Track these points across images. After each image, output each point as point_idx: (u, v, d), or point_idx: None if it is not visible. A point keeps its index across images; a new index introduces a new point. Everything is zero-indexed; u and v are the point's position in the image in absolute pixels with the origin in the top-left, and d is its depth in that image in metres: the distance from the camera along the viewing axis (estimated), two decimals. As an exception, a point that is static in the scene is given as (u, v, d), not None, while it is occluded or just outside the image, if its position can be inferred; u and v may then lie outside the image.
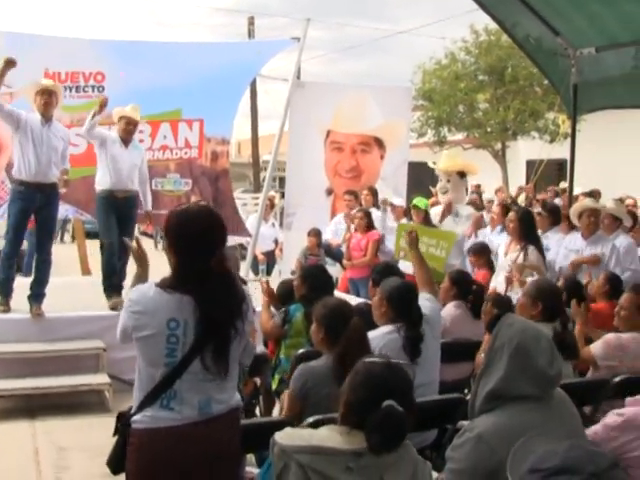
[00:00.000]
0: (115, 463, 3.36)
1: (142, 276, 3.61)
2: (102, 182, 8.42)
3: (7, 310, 7.80)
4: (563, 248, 8.08)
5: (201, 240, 3.27)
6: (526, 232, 7.66)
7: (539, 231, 8.27)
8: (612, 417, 3.39)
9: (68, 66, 9.87)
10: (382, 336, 4.72)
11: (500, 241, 8.78)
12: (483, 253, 8.61)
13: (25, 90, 8.12)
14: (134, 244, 3.73)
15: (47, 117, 7.87)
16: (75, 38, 10.49)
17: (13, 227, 7.84)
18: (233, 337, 3.28)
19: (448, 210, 9.65)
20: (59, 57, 9.82)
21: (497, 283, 7.74)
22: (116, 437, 3.35)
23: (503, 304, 5.95)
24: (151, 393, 3.22)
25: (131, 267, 8.25)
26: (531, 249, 7.51)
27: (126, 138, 8.48)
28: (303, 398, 4.19)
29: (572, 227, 8.62)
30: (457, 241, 9.07)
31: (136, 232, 8.84)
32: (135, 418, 3.23)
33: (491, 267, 8.48)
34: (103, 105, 8.12)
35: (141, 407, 3.24)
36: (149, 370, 3.24)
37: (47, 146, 7.79)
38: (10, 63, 7.39)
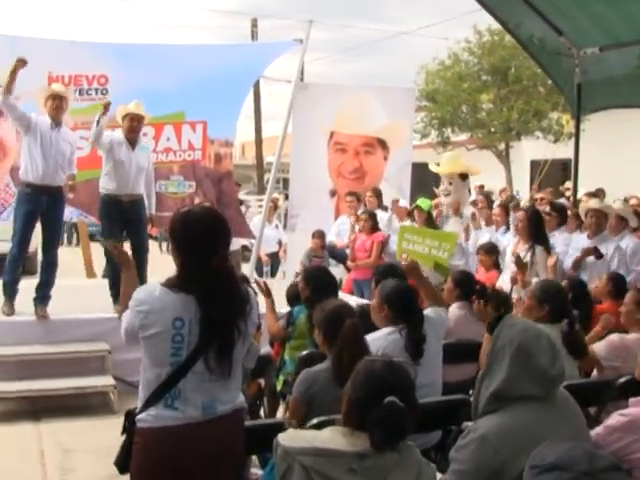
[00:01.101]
0: (122, 462, 3.37)
1: (130, 280, 3.64)
2: (107, 186, 8.37)
3: (12, 312, 7.81)
4: (570, 249, 8.07)
5: (203, 241, 3.28)
6: (534, 232, 7.63)
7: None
8: (615, 418, 3.38)
9: (71, 69, 9.88)
10: (384, 337, 4.72)
11: (504, 241, 8.76)
12: (493, 253, 8.56)
13: (36, 93, 8.16)
14: (113, 249, 3.77)
15: (57, 121, 7.94)
16: (78, 41, 10.50)
17: (20, 229, 7.84)
18: (237, 338, 3.28)
19: (455, 211, 9.64)
20: (62, 60, 9.83)
21: (503, 282, 7.72)
22: (124, 436, 3.36)
23: (501, 302, 5.99)
24: (156, 392, 3.22)
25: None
26: (539, 249, 7.48)
27: (132, 138, 8.41)
28: (307, 403, 4.18)
29: (578, 226, 8.61)
30: (459, 242, 9.06)
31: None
32: (140, 417, 3.25)
33: (499, 268, 8.46)
34: (106, 108, 8.10)
35: (146, 406, 3.24)
36: (155, 369, 3.24)
37: (55, 150, 7.84)
38: (21, 62, 7.47)
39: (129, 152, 8.35)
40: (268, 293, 6.19)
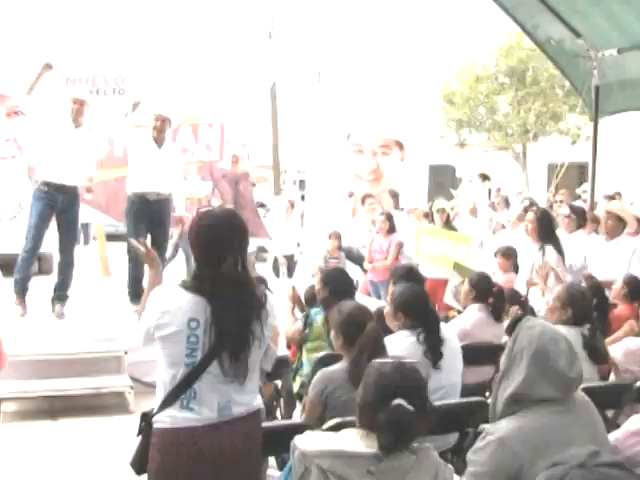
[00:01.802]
0: (139, 463, 3.37)
1: (155, 280, 3.63)
2: (134, 185, 8.44)
3: (24, 308, 7.82)
4: (587, 252, 8.03)
5: (217, 243, 3.27)
6: (544, 232, 7.60)
7: (565, 232, 8.22)
8: (634, 422, 3.36)
9: (89, 69, 9.94)
10: (400, 340, 4.69)
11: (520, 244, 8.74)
12: (511, 256, 8.51)
13: (56, 94, 8.27)
14: (142, 247, 3.75)
15: (77, 123, 8.02)
16: (95, 42, 10.53)
17: (34, 225, 7.89)
18: (252, 342, 3.27)
19: (470, 211, 9.64)
20: (80, 60, 9.89)
21: (519, 286, 7.69)
22: (140, 437, 3.36)
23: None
24: (171, 393, 3.23)
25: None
26: (548, 249, 7.45)
27: (158, 137, 8.47)
28: (323, 403, 4.17)
29: (594, 229, 8.57)
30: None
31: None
32: (156, 418, 3.25)
33: (517, 271, 8.42)
34: (135, 108, 8.18)
35: (162, 407, 3.25)
36: (170, 371, 3.24)
37: (73, 150, 7.89)
38: (47, 67, 7.57)
39: (156, 151, 8.40)
40: (297, 299, 6.26)
